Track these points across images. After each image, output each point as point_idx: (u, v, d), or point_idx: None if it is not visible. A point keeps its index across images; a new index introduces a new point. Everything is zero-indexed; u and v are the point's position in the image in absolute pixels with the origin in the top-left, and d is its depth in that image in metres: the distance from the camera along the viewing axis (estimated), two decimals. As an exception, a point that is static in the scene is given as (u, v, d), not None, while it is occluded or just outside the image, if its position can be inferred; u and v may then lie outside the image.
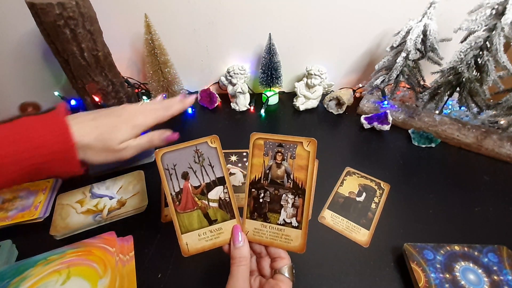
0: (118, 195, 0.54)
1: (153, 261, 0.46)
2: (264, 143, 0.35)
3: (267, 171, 0.34)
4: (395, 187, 0.56)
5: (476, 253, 0.43)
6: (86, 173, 0.36)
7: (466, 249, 0.43)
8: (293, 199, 0.33)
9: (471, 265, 0.41)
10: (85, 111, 0.37)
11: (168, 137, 0.41)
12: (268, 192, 0.34)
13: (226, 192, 0.35)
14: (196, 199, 0.34)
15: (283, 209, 0.34)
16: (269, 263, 0.34)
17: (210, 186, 0.34)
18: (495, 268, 0.41)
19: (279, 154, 0.34)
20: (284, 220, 0.33)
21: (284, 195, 0.34)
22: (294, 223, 0.33)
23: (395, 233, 0.49)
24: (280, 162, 0.34)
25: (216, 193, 0.35)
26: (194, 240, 0.33)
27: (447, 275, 0.40)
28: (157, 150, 0.33)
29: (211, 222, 0.34)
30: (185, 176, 0.34)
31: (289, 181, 0.34)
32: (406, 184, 0.58)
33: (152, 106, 0.40)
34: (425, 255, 0.42)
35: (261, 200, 0.35)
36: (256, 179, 0.35)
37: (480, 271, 0.40)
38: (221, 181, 0.35)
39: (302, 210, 0.33)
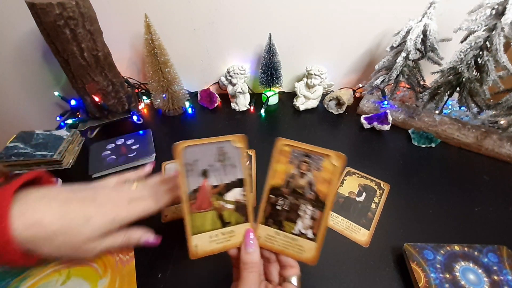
0: (118, 195, 0.54)
1: (153, 261, 0.45)
2: (290, 150, 0.33)
3: (289, 179, 0.33)
4: (395, 187, 0.56)
5: (476, 253, 0.43)
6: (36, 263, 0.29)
7: (466, 249, 0.43)
8: (312, 211, 0.32)
9: (471, 265, 0.41)
10: (56, 187, 0.30)
11: (149, 241, 0.36)
12: (287, 200, 0.33)
13: (243, 195, 0.33)
14: (213, 199, 0.32)
15: (300, 219, 0.32)
16: (277, 269, 0.33)
17: (228, 187, 0.33)
18: (495, 268, 0.41)
19: (305, 164, 0.32)
20: (299, 230, 0.32)
21: (303, 205, 0.32)
22: (310, 234, 0.32)
23: (395, 233, 0.49)
24: (304, 172, 0.33)
25: (234, 195, 0.33)
26: (205, 242, 0.32)
27: (447, 275, 0.40)
28: (180, 141, 0.31)
29: (224, 224, 0.32)
30: (205, 174, 0.32)
31: (311, 192, 0.32)
32: (406, 184, 0.58)
33: (139, 193, 0.34)
34: (425, 255, 0.42)
35: (278, 207, 0.33)
36: (276, 185, 0.33)
37: (480, 271, 0.40)
38: (240, 183, 0.33)
39: (319, 223, 0.32)
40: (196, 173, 0.32)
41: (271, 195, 0.33)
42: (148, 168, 0.41)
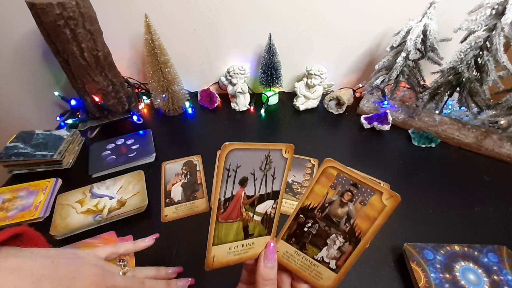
0: (118, 195, 0.54)
1: (153, 261, 0.45)
2: (336, 175, 0.30)
3: (327, 204, 0.30)
4: (395, 187, 0.56)
5: (476, 253, 0.43)
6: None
7: (466, 249, 0.43)
8: (342, 243, 0.29)
9: (471, 265, 0.41)
10: (37, 254, 0.27)
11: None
12: (317, 225, 0.30)
13: (274, 208, 0.31)
14: (243, 209, 0.30)
15: (326, 247, 0.30)
16: (289, 279, 0.32)
17: (262, 199, 0.30)
18: (495, 268, 0.41)
19: (349, 193, 0.29)
20: (322, 257, 0.30)
21: (334, 235, 0.30)
22: (333, 265, 0.30)
23: (395, 233, 0.49)
24: (346, 202, 0.30)
25: (265, 207, 0.31)
26: (223, 253, 0.29)
27: (447, 275, 0.40)
28: (228, 143, 0.27)
29: (247, 236, 0.30)
30: (243, 182, 0.29)
31: (347, 224, 0.29)
32: (406, 184, 0.58)
33: (123, 284, 0.32)
34: (425, 255, 0.42)
35: (305, 229, 0.31)
36: (310, 207, 0.31)
37: (480, 271, 0.40)
38: (275, 195, 0.31)
39: (346, 258, 0.29)
40: (235, 180, 0.28)
41: (301, 215, 0.31)
42: (150, 241, 0.40)
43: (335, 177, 0.30)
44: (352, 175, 0.29)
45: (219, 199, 0.28)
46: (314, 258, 0.30)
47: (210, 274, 0.44)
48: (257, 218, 0.31)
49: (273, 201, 0.31)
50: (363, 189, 0.29)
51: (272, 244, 0.31)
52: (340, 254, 0.30)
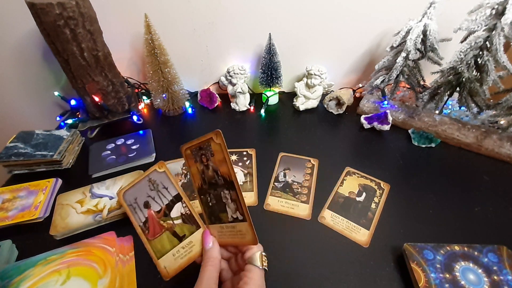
0: (118, 195, 0.54)
1: (153, 261, 0.45)
2: (191, 152, 0.36)
3: (203, 175, 0.36)
4: (395, 187, 0.56)
5: (476, 253, 0.43)
6: None
7: (466, 249, 0.43)
8: (229, 194, 0.35)
9: (471, 265, 0.41)
10: None
11: None
12: (211, 194, 0.36)
13: (185, 206, 0.37)
14: (162, 222, 0.36)
15: (227, 206, 0.35)
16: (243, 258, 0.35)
17: (170, 206, 0.37)
18: (495, 268, 0.41)
19: (203, 156, 0.35)
20: (232, 216, 0.35)
21: (222, 193, 0.35)
22: (239, 216, 0.34)
23: (395, 233, 0.49)
24: (206, 163, 0.35)
25: (177, 210, 0.37)
26: (171, 261, 0.35)
27: (447, 275, 0.40)
28: (118, 191, 0.35)
29: (180, 238, 0.36)
30: (147, 205, 0.36)
31: (219, 177, 0.35)
32: (406, 184, 0.58)
33: None
34: (425, 255, 0.42)
35: (210, 204, 0.36)
36: (200, 186, 0.37)
37: (480, 271, 0.40)
38: (177, 198, 0.37)
39: (239, 202, 0.34)
40: (140, 207, 0.36)
41: (201, 196, 0.37)
42: None
43: (192, 154, 0.36)
44: (193, 143, 0.35)
45: (139, 225, 0.35)
46: (229, 222, 0.35)
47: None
48: (178, 221, 0.37)
49: (179, 202, 0.37)
50: (204, 146, 0.35)
51: (206, 231, 0.36)
52: (235, 203, 0.34)
